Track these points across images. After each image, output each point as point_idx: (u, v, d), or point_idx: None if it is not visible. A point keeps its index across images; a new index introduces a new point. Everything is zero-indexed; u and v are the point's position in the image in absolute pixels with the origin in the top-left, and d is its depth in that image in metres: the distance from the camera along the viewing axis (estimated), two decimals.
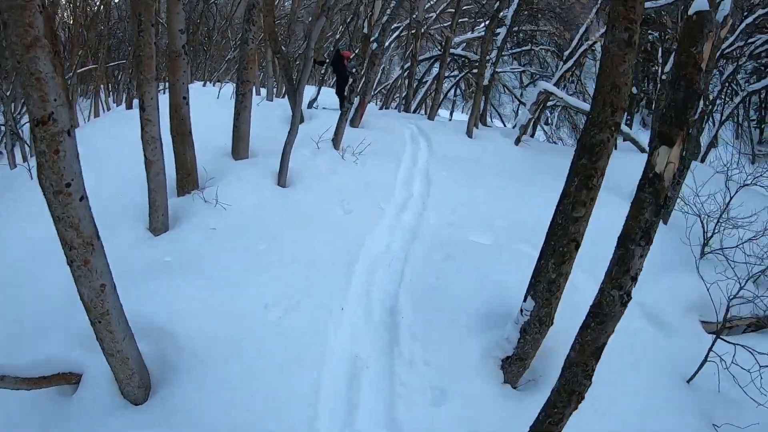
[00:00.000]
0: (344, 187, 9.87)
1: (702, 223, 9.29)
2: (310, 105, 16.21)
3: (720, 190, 9.40)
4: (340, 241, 8.12)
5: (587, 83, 24.67)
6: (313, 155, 11.03)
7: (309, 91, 19.77)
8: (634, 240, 4.24)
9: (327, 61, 18.36)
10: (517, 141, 14.29)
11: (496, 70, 21.51)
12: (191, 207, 8.95)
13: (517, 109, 29.26)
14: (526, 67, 26.14)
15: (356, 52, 20.01)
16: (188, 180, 9.57)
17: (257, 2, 10.59)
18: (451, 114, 26.22)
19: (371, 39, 12.51)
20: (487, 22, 23.59)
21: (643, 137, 17.03)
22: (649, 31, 19.44)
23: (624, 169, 13.42)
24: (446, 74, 21.96)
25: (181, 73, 9.15)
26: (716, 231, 9.17)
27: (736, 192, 9.46)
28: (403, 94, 20.53)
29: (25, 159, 17.75)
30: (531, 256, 8.08)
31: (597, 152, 5.36)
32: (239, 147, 10.99)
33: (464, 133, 14.13)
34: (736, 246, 8.72)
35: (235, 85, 10.84)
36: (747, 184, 9.70)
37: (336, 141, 11.71)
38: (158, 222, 8.58)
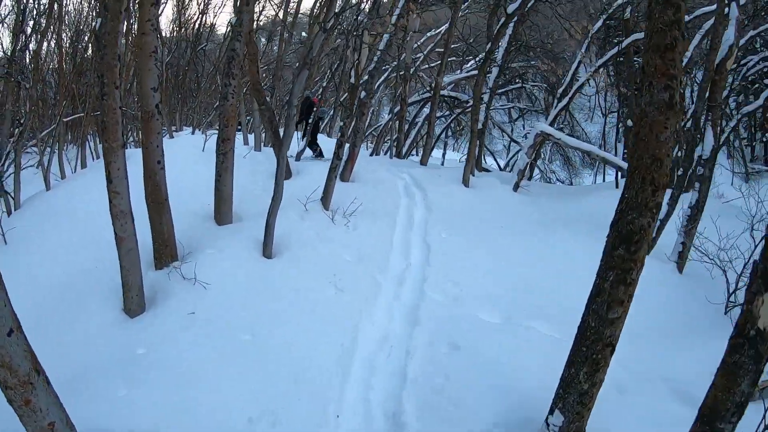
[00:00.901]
0: (336, 258, 8.76)
1: (725, 275, 8.46)
2: (298, 157, 15.11)
3: (732, 234, 8.74)
4: (333, 329, 6.98)
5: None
6: (301, 218, 9.94)
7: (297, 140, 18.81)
8: (724, 417, 3.18)
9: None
10: (516, 187, 13.29)
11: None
12: (169, 284, 7.85)
13: (509, 145, 28.39)
14: (515, 103, 25.29)
15: (341, 100, 19.17)
16: (165, 252, 8.47)
17: (237, 54, 9.57)
18: (443, 155, 25.20)
19: (359, 88, 11.54)
20: (476, 62, 22.98)
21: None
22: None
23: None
24: (437, 115, 21.15)
25: (155, 135, 8.09)
26: (740, 283, 8.23)
27: (761, 240, 8.47)
28: (394, 137, 19.50)
29: (9, 213, 16.69)
30: (545, 336, 7.16)
31: (636, 241, 4.31)
32: (222, 211, 9.89)
33: (460, 181, 13.08)
34: None
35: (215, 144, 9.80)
36: None
37: (325, 201, 10.64)
38: (133, 303, 7.52)
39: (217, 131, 9.90)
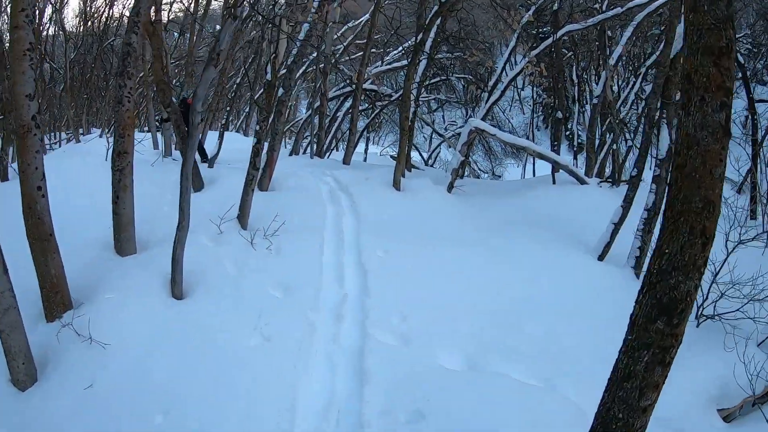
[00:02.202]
0: (259, 293, 7.15)
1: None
2: (211, 163, 13.35)
3: None
4: (264, 396, 5.46)
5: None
6: (216, 244, 8.30)
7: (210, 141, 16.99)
8: None
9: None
10: (450, 187, 11.95)
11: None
12: (61, 346, 6.19)
13: (430, 137, 27.16)
14: (434, 94, 23.96)
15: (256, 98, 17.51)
16: (56, 299, 6.74)
17: (133, 49, 7.89)
18: (365, 151, 23.69)
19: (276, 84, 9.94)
20: (401, 53, 21.55)
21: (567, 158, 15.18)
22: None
23: (570, 207, 11.36)
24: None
25: (33, 154, 6.34)
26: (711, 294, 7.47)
27: (734, 249, 7.77)
28: (314, 134, 17.89)
29: None
30: (523, 385, 5.82)
31: (681, 311, 2.94)
32: (122, 239, 8.14)
33: (390, 185, 11.61)
34: (738, 309, 7.21)
35: (110, 159, 8.08)
36: (745, 241, 7.93)
37: (242, 219, 8.99)
38: (20, 373, 5.86)
39: None
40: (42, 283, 6.64)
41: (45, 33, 25.85)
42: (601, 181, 13.47)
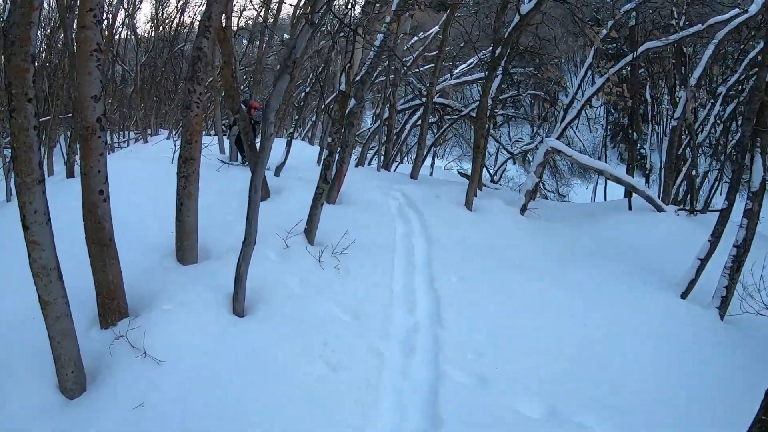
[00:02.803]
0: (325, 316, 6.63)
1: None
2: (277, 171, 12.93)
3: None
4: None
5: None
6: (281, 259, 7.82)
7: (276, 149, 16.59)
8: None
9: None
10: (523, 209, 11.27)
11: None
12: (114, 355, 5.75)
13: (496, 153, 26.43)
14: (501, 110, 23.22)
15: (329, 108, 17.04)
16: (111, 306, 6.31)
17: (204, 54, 7.48)
18: (431, 165, 23.07)
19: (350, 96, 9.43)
20: (465, 66, 20.96)
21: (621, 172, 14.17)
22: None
23: (648, 237, 10.53)
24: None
25: (97, 156, 5.93)
26: None
27: None
28: (381, 144, 17.35)
29: None
30: None
31: None
32: (184, 248, 7.75)
33: (461, 203, 11.00)
34: None
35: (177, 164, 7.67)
36: None
37: (310, 234, 8.52)
38: (68, 381, 5.42)
39: None
40: (98, 289, 6.23)
41: (117, 36, 26.19)
42: (678, 209, 12.58)
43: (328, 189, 8.75)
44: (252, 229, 6.23)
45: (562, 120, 14.52)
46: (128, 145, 26.01)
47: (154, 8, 28.59)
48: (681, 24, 14.50)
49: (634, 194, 11.89)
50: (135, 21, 26.99)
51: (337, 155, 10.34)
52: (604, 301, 7.67)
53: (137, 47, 26.29)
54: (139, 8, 30.57)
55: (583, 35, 14.74)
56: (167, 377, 5.45)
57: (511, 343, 6.44)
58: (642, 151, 36.41)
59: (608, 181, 19.48)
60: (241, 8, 23.46)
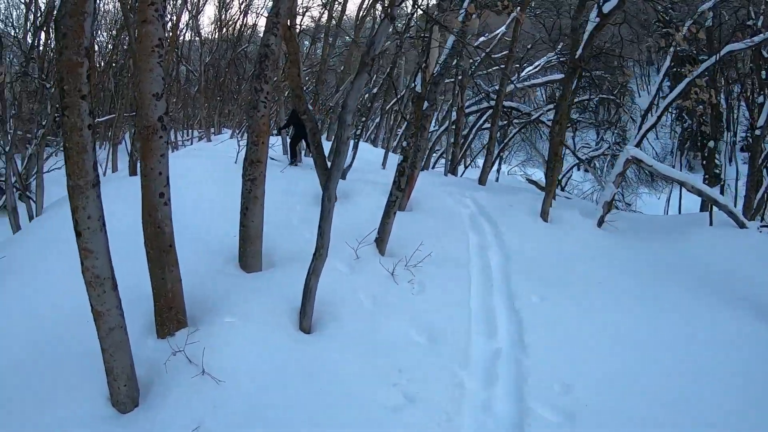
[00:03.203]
0: (400, 338, 6.04)
1: None
2: (344, 174, 12.35)
3: None
4: None
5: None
6: (351, 271, 7.28)
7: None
8: None
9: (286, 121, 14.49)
10: (601, 222, 10.49)
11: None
12: (170, 369, 5.29)
13: (562, 158, 25.41)
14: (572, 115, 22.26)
15: (404, 112, 16.45)
16: (170, 316, 5.86)
17: (272, 51, 6.98)
18: (498, 171, 22.25)
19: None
20: (532, 69, 20.13)
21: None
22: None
23: (732, 256, 9.57)
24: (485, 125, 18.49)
25: (158, 157, 5.52)
26: None
27: None
28: (447, 148, 16.67)
29: (31, 218, 14.56)
30: None
31: None
32: (248, 254, 7.33)
33: (536, 214, 10.29)
34: None
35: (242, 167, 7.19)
36: None
37: (381, 244, 7.97)
38: (120, 394, 5.02)
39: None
40: (156, 297, 5.81)
41: (182, 38, 26.26)
42: (761, 225, 11.56)
43: (401, 195, 8.16)
44: (324, 240, 5.70)
45: (640, 126, 13.63)
46: (192, 143, 26.03)
47: (217, 10, 28.66)
48: (759, 24, 13.48)
49: (714, 208, 10.98)
50: (198, 23, 27.07)
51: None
52: (694, 328, 6.85)
53: (201, 48, 26.28)
54: (202, 10, 30.45)
55: (654, 37, 13.84)
56: (227, 399, 4.98)
57: (599, 373, 5.74)
58: (716, 161, 35.05)
59: (682, 192, 18.54)
60: (304, 8, 22.93)
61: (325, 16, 20.79)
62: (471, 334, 6.31)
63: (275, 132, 14.79)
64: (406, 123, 10.96)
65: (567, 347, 6.14)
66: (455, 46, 9.25)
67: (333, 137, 18.05)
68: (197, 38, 27.04)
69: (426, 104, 9.50)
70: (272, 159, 13.30)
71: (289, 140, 13.94)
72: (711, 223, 10.94)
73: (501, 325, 6.60)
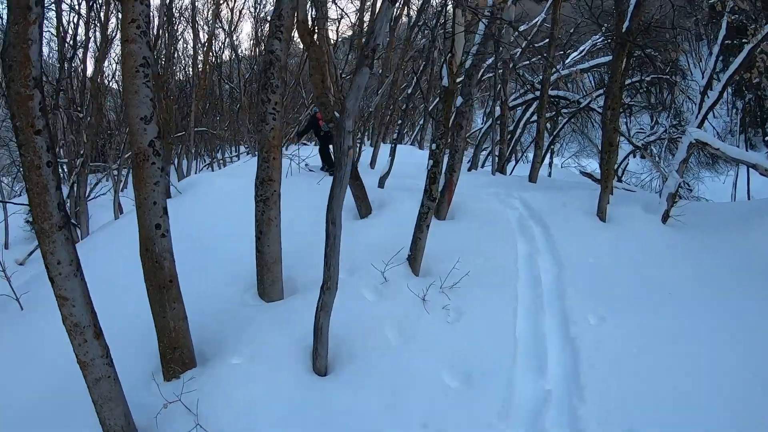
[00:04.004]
0: (430, 380, 4.93)
1: None
2: (381, 182, 11.27)
3: None
4: None
5: None
6: (378, 297, 6.19)
7: (382, 156, 14.97)
8: None
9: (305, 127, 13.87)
10: (665, 217, 9.14)
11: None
12: (168, 419, 4.62)
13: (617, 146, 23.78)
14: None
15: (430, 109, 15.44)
16: (173, 357, 5.20)
17: (277, 58, 6.05)
18: (549, 165, 20.79)
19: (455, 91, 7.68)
20: (577, 54, 18.66)
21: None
22: None
23: None
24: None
25: (151, 186, 4.85)
26: None
27: None
28: (495, 145, 15.42)
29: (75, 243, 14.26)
30: None
31: None
32: (266, 282, 6.41)
33: (593, 213, 9.01)
34: None
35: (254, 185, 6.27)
36: None
37: (414, 263, 6.84)
38: None
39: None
40: (160, 337, 5.20)
41: (221, 55, 25.81)
42: None
43: (435, 206, 7.01)
44: (332, 272, 4.65)
45: (700, 106, 12.12)
46: (239, 159, 25.72)
47: (253, 29, 28.32)
48: None
49: None
50: (235, 40, 26.75)
51: (446, 163, 8.67)
52: None
53: (238, 65, 25.87)
54: (237, 28, 30.25)
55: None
56: None
57: (674, 417, 4.51)
58: None
59: (750, 175, 16.84)
60: (339, 15, 22.08)
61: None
62: (515, 372, 5.11)
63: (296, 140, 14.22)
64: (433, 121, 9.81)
65: (632, 387, 4.90)
66: (486, 33, 8.12)
67: (376, 140, 17.18)
68: (234, 55, 26.69)
69: (460, 100, 8.39)
70: (311, 170, 12.47)
71: (318, 148, 13.04)
72: None
73: (552, 359, 5.36)
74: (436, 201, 6.89)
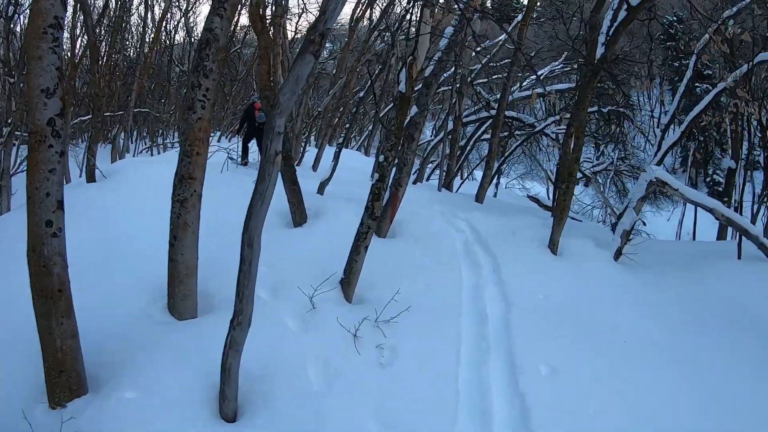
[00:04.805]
0: None
1: None
2: (321, 188, 10.37)
3: None
4: None
5: None
6: (302, 328, 5.26)
7: (326, 159, 14.08)
8: None
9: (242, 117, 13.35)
10: (618, 254, 8.53)
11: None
12: None
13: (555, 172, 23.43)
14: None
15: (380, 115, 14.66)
16: (59, 382, 4.24)
17: (215, 37, 5.17)
18: (497, 186, 20.26)
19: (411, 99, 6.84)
20: (534, 77, 18.16)
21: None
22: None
23: (756, 292, 7.49)
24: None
25: (45, 174, 3.95)
26: None
27: None
28: (443, 159, 14.67)
29: None
30: None
31: None
32: (177, 296, 5.41)
33: (544, 245, 8.30)
34: None
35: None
36: None
37: (348, 286, 5.95)
38: None
39: None
40: (45, 356, 4.25)
41: (173, 36, 24.67)
42: None
43: (376, 225, 6.12)
44: (244, 304, 3.75)
45: (659, 144, 11.66)
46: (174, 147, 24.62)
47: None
48: None
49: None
50: (191, 21, 25.50)
51: (392, 176, 7.86)
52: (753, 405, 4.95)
53: (190, 47, 24.71)
54: (192, 9, 28.79)
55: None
56: None
57: None
58: (715, 176, 33.01)
59: (698, 216, 16.46)
60: (301, 10, 21.10)
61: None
62: (455, 428, 4.30)
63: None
64: (382, 129, 8.99)
65: None
66: (452, 41, 7.35)
67: (321, 141, 16.29)
68: (187, 37, 25.40)
69: (415, 110, 7.59)
70: (231, 159, 11.55)
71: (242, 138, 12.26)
72: (740, 257, 9.02)
73: (499, 418, 4.50)
74: (377, 220, 6.02)
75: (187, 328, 5.21)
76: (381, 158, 6.19)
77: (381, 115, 17.71)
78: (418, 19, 6.31)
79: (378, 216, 5.98)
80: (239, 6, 6.68)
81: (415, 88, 6.97)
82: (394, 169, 7.55)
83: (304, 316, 5.42)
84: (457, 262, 7.41)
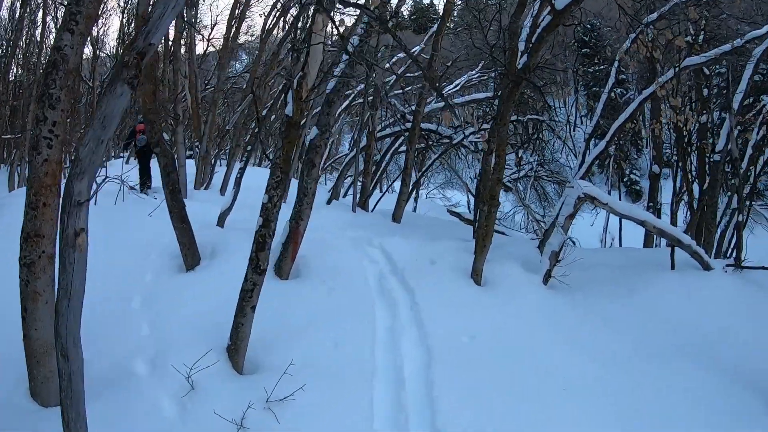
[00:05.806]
0: None
1: None
2: (221, 220, 9.24)
3: None
4: None
5: None
6: (180, 414, 4.18)
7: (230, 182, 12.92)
8: None
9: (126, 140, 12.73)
10: (547, 278, 7.77)
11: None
12: None
13: (478, 182, 22.83)
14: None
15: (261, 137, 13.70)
16: None
17: (63, 58, 4.20)
18: (416, 200, 19.40)
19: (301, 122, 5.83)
20: (452, 87, 17.54)
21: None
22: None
23: (703, 308, 7.00)
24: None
25: None
26: None
27: None
28: (357, 177, 13.68)
29: None
30: None
31: None
32: (37, 379, 4.37)
33: (467, 274, 7.42)
34: None
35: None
36: None
37: (236, 353, 4.83)
38: None
39: None
40: None
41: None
42: (727, 265, 9.12)
43: (263, 279, 5.01)
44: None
45: (584, 154, 11.02)
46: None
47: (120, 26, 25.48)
48: (698, 41, 11.27)
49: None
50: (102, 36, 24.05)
51: (293, 209, 6.86)
52: None
53: (95, 62, 23.24)
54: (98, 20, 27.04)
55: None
56: None
57: None
58: (632, 176, 33.30)
59: (622, 223, 16.03)
60: (212, 23, 20.02)
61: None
62: None
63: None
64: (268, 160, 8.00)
65: None
66: (357, 52, 6.44)
67: (230, 161, 15.10)
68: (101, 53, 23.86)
69: (315, 132, 6.61)
70: (140, 194, 10.36)
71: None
72: (673, 267, 8.44)
73: None
74: (264, 273, 4.93)
75: (54, 416, 4.10)
76: (264, 199, 5.13)
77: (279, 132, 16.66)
78: (308, 26, 5.28)
79: (264, 269, 4.89)
80: (95, 20, 5.56)
81: (312, 108, 5.99)
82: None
83: (182, 397, 4.33)
84: (370, 302, 6.42)
